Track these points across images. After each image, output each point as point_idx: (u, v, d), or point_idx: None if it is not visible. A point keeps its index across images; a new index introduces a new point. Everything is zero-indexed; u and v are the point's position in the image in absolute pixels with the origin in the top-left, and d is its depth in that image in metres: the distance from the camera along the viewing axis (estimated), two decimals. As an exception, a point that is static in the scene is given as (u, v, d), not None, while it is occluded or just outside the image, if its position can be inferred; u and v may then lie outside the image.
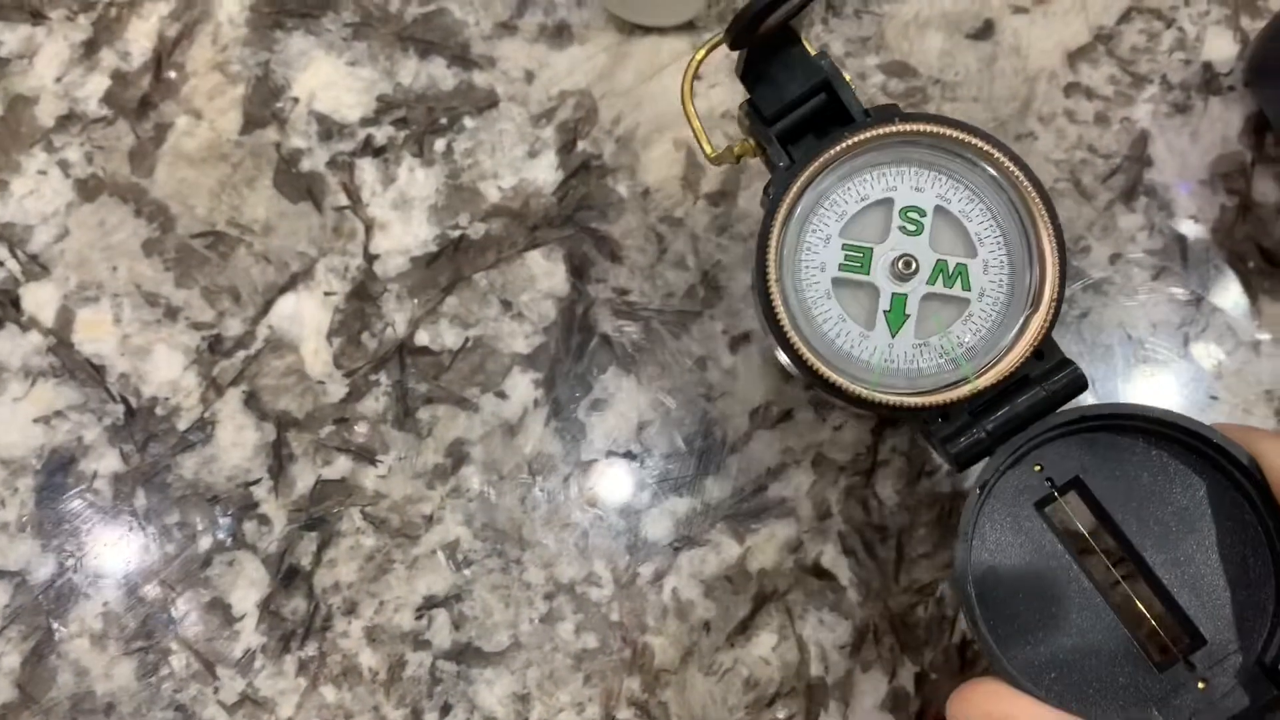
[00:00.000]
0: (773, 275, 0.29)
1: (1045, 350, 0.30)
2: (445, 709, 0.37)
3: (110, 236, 0.41)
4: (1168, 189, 0.39)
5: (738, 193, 0.40)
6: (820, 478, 0.38)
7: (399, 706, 0.37)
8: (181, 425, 0.39)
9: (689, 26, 0.41)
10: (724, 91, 0.41)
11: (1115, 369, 0.38)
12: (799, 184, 0.30)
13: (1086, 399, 0.35)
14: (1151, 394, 0.38)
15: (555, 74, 0.41)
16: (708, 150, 0.33)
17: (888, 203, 0.30)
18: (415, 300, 0.40)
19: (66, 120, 0.42)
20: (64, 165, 0.41)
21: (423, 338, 0.39)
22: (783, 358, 0.31)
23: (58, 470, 0.39)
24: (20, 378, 0.40)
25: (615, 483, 0.38)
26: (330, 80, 0.42)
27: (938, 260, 0.30)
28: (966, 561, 0.29)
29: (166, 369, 0.40)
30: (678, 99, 0.41)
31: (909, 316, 0.30)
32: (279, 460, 0.39)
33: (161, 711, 0.37)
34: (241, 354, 0.40)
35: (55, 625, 0.38)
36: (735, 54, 0.31)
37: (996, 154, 0.29)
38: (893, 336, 0.30)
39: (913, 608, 0.37)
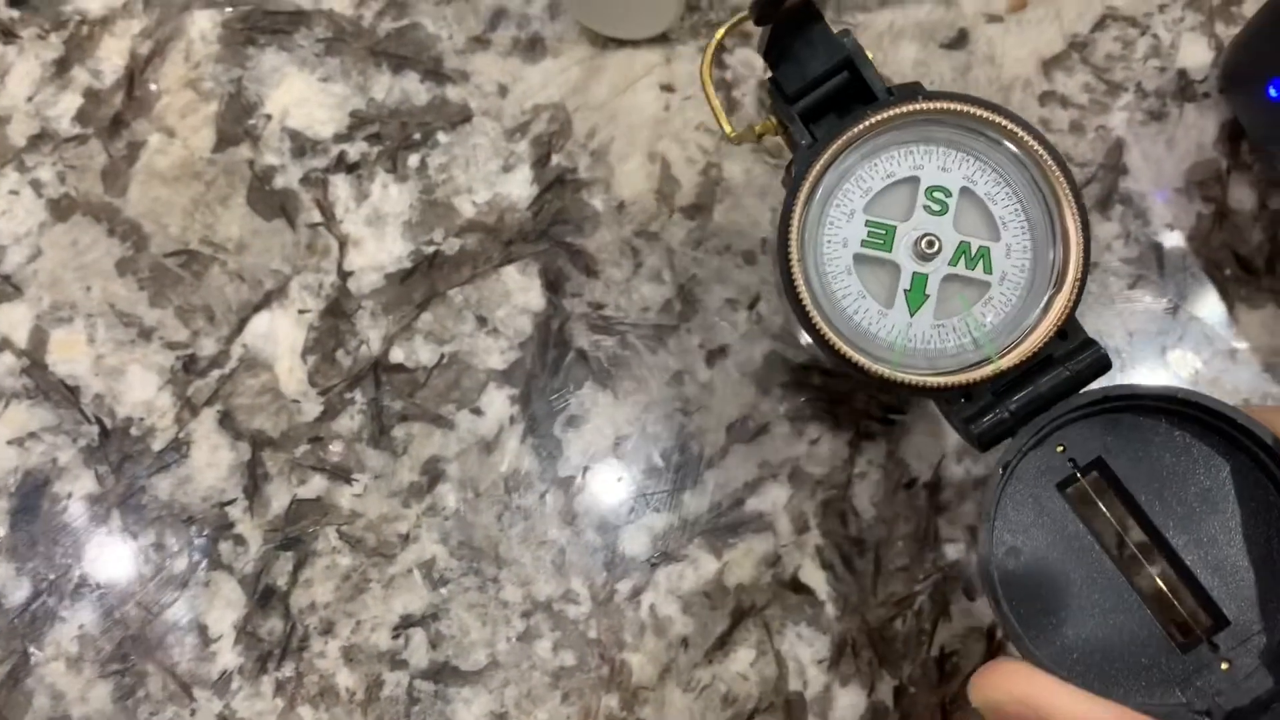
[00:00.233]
0: (795, 254, 0.29)
1: (1069, 330, 0.29)
2: (423, 728, 0.37)
3: (83, 256, 0.41)
4: (1144, 197, 0.39)
5: (713, 206, 0.40)
6: (797, 491, 0.38)
7: (377, 726, 0.37)
8: (156, 446, 0.39)
9: (662, 39, 0.41)
10: (698, 104, 0.41)
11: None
12: (822, 162, 0.29)
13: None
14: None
15: (529, 88, 0.41)
16: (728, 130, 0.33)
17: (913, 181, 0.30)
18: (390, 317, 0.39)
19: (38, 139, 0.41)
20: (36, 185, 0.41)
21: (397, 355, 0.39)
22: (805, 339, 0.31)
23: (32, 493, 0.39)
24: (-7, 400, 0.39)
25: (592, 499, 0.38)
26: (303, 96, 0.42)
27: (961, 242, 0.30)
28: (989, 543, 0.28)
29: (141, 389, 0.40)
30: (652, 111, 0.41)
31: (929, 297, 0.30)
32: (254, 480, 0.39)
33: (138, 734, 0.37)
34: (216, 373, 0.39)
35: (31, 649, 0.38)
36: (704, 67, 0.31)
37: (1020, 132, 0.29)
38: (911, 316, 0.30)
39: (891, 621, 0.37)
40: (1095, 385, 0.29)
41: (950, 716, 0.36)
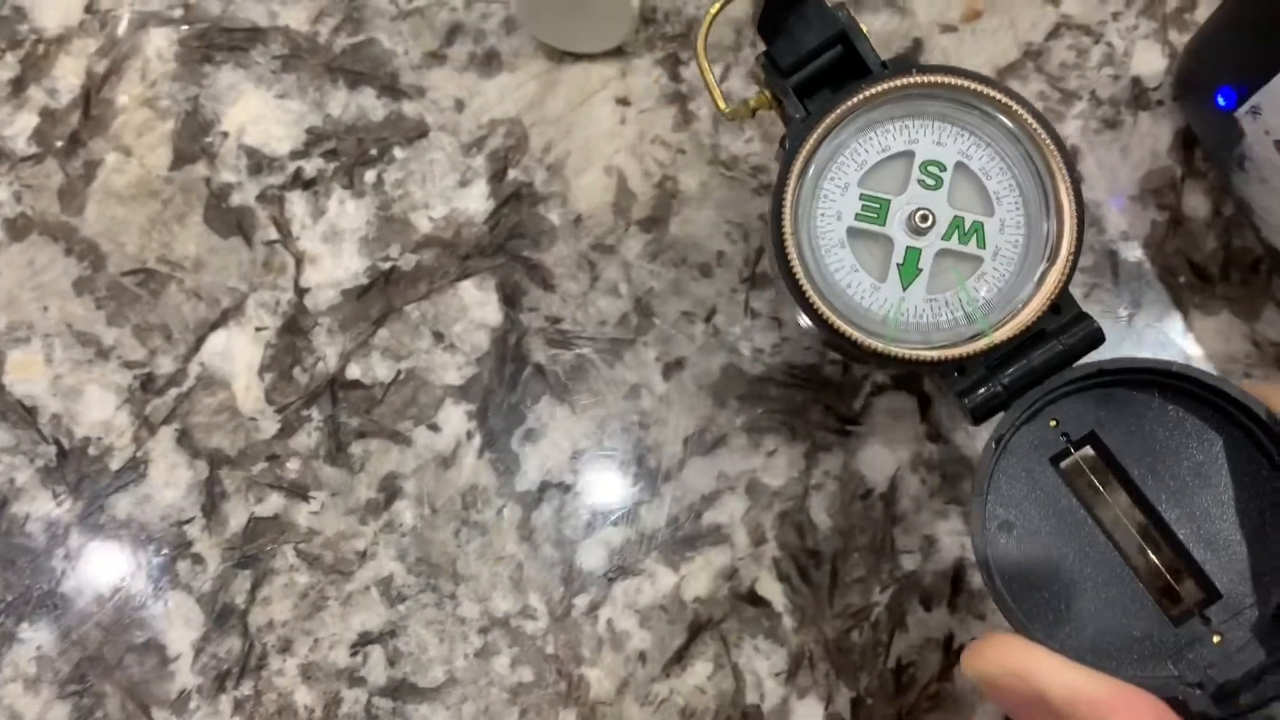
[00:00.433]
0: (788, 227, 0.29)
1: (1062, 304, 0.30)
2: (382, 746, 0.37)
3: (40, 276, 0.41)
4: (1098, 205, 0.39)
5: (669, 219, 0.40)
6: (754, 504, 0.38)
7: (335, 744, 0.37)
8: (114, 465, 0.39)
9: (618, 52, 0.41)
10: (654, 117, 0.41)
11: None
12: (816, 135, 0.30)
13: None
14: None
15: (485, 102, 0.41)
16: (722, 106, 0.33)
17: (908, 156, 0.30)
18: (346, 334, 0.39)
19: (-6, 159, 0.41)
20: (-8, 205, 0.41)
21: (354, 371, 0.39)
22: (803, 320, 0.31)
23: (-11, 514, 0.39)
24: (-50, 421, 0.39)
25: (549, 514, 0.38)
26: (259, 113, 0.42)
27: (955, 216, 0.30)
28: (982, 517, 0.28)
29: (99, 409, 0.39)
30: (608, 125, 0.41)
31: (922, 271, 0.30)
32: (212, 499, 0.39)
33: (96, 755, 0.37)
34: (173, 392, 0.39)
35: (-12, 670, 0.38)
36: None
37: (1014, 106, 0.29)
38: (904, 290, 0.30)
39: (848, 632, 0.37)
40: (1088, 359, 0.29)
41: (908, 728, 0.36)
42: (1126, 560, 0.29)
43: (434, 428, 0.39)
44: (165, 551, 0.38)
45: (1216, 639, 0.28)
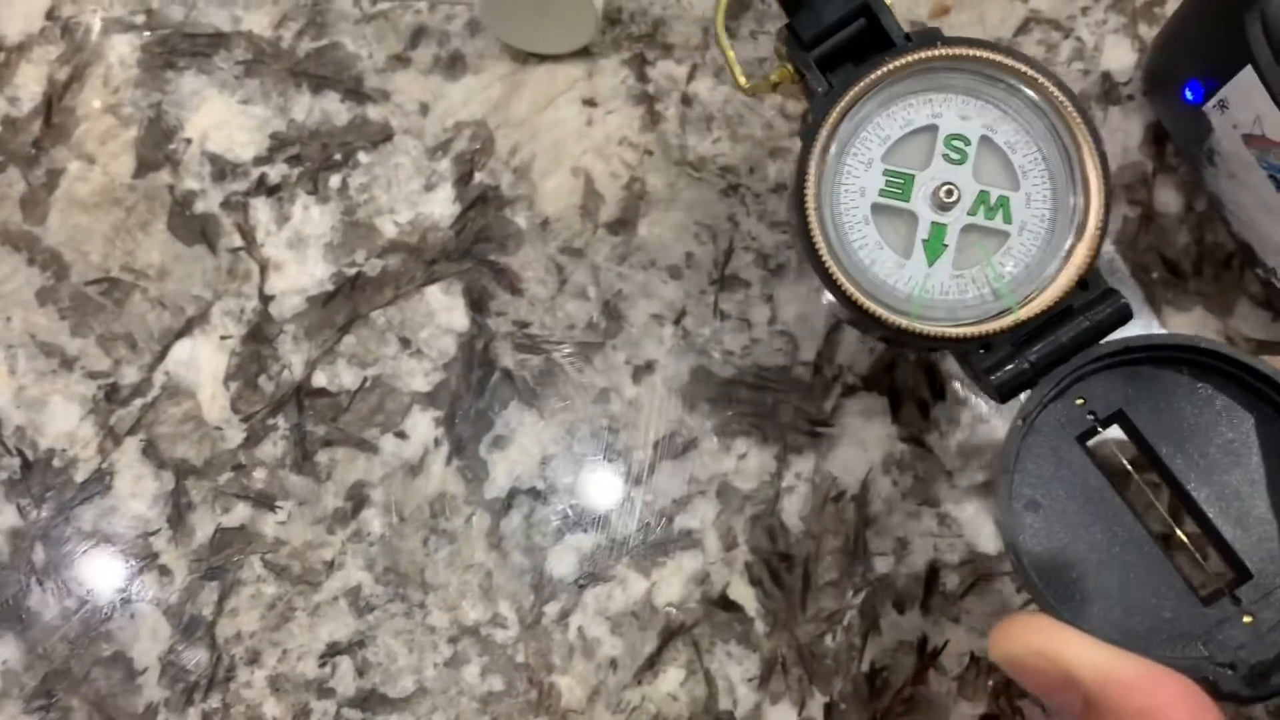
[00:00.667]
0: (811, 203, 0.29)
1: (1089, 280, 0.29)
2: (351, 757, 0.36)
3: (2, 286, 0.40)
4: (1070, 201, 0.39)
5: (637, 220, 0.40)
6: (725, 507, 0.37)
7: (304, 757, 0.36)
8: (79, 477, 0.39)
9: (583, 53, 0.41)
10: (621, 118, 0.40)
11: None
12: (839, 108, 0.29)
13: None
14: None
15: (450, 105, 0.41)
16: (741, 81, 0.33)
17: (932, 130, 0.30)
18: (312, 341, 0.39)
19: (-45, 169, 0.41)
20: (-47, 216, 0.41)
21: (320, 379, 0.39)
22: (826, 297, 0.30)
23: (-48, 528, 0.38)
24: (-88, 435, 0.39)
25: (519, 520, 0.37)
26: (223, 119, 0.41)
27: (980, 191, 0.30)
28: (1008, 495, 0.28)
29: (63, 420, 0.39)
30: (574, 126, 0.40)
31: (947, 247, 0.30)
32: (178, 510, 0.38)
33: (63, 771, 0.37)
34: (139, 402, 0.39)
35: (-47, 687, 0.37)
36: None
37: (1041, 78, 0.29)
38: (929, 266, 0.30)
39: (820, 637, 0.36)
40: (1115, 336, 0.29)
41: (882, 732, 0.36)
42: (1155, 540, 0.28)
43: (401, 435, 0.38)
44: (132, 563, 0.38)
45: (1247, 619, 0.27)
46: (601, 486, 0.38)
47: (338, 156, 0.41)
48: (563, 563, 0.37)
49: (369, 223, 0.40)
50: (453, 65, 0.41)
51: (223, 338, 0.39)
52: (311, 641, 0.37)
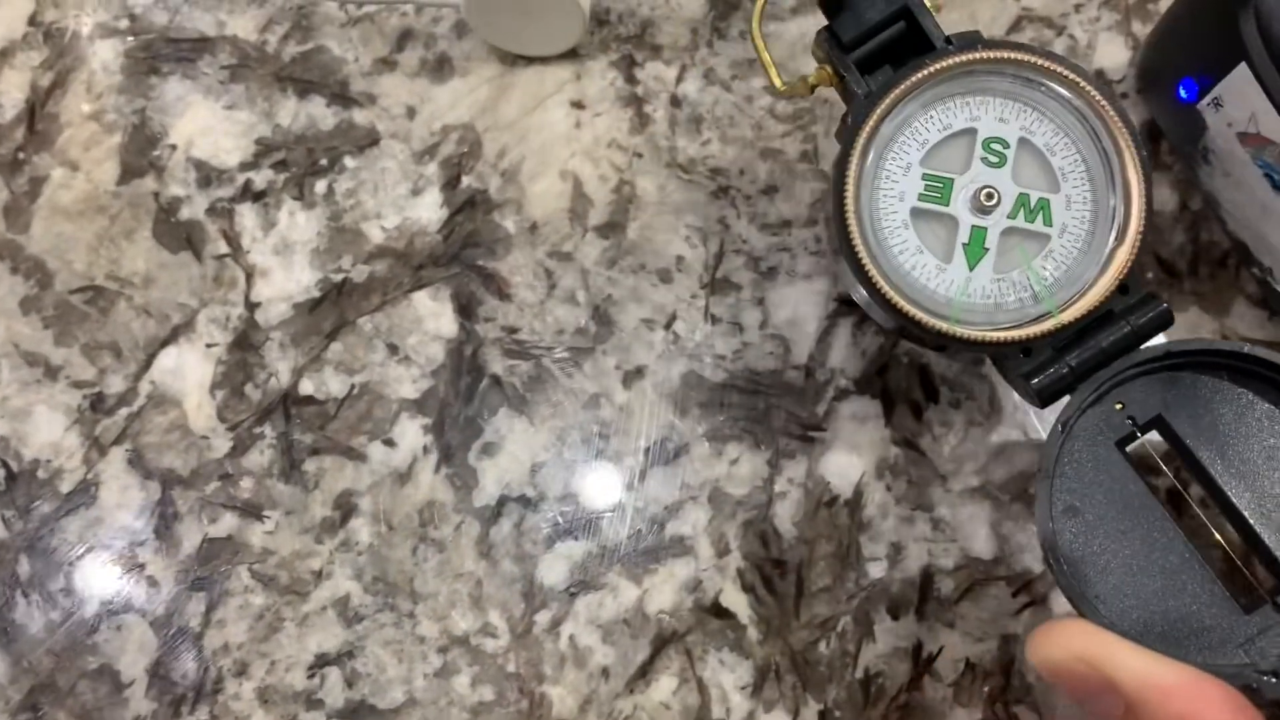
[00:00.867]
0: (850, 206, 0.29)
1: (1130, 284, 0.29)
2: (341, 769, 0.36)
3: (-14, 296, 0.40)
4: (1063, 201, 0.38)
5: (627, 224, 0.39)
6: (717, 513, 0.37)
7: (293, 769, 0.36)
8: (65, 488, 0.38)
9: (571, 55, 0.40)
10: (609, 120, 0.40)
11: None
12: (879, 111, 0.29)
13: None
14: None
15: (437, 108, 0.40)
16: (778, 83, 0.33)
17: (970, 133, 0.30)
18: (299, 348, 0.39)
19: (-62, 178, 0.41)
20: (-64, 224, 0.40)
21: (307, 386, 0.38)
22: (861, 295, 0.30)
23: (-63, 540, 0.38)
24: (-104, 446, 0.38)
25: (508, 528, 0.37)
26: (208, 125, 0.41)
27: (1020, 193, 0.30)
28: (1048, 501, 0.28)
29: (48, 430, 0.39)
30: (563, 129, 0.40)
31: (988, 250, 0.30)
32: (164, 520, 0.38)
33: (50, 785, 0.36)
34: (124, 411, 0.39)
35: (-62, 701, 0.37)
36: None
37: (1082, 82, 0.29)
38: (970, 270, 0.30)
39: (814, 644, 0.36)
40: (1155, 341, 0.29)
41: (877, 739, 0.35)
42: (1195, 546, 0.28)
43: (389, 443, 0.38)
44: (118, 575, 0.37)
45: None
46: (592, 493, 0.37)
47: (324, 161, 0.40)
48: (553, 571, 0.37)
49: (355, 228, 0.40)
50: (439, 68, 0.41)
51: (208, 346, 0.39)
52: (300, 652, 0.37)
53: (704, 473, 0.37)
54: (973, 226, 0.30)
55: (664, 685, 0.36)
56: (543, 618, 0.36)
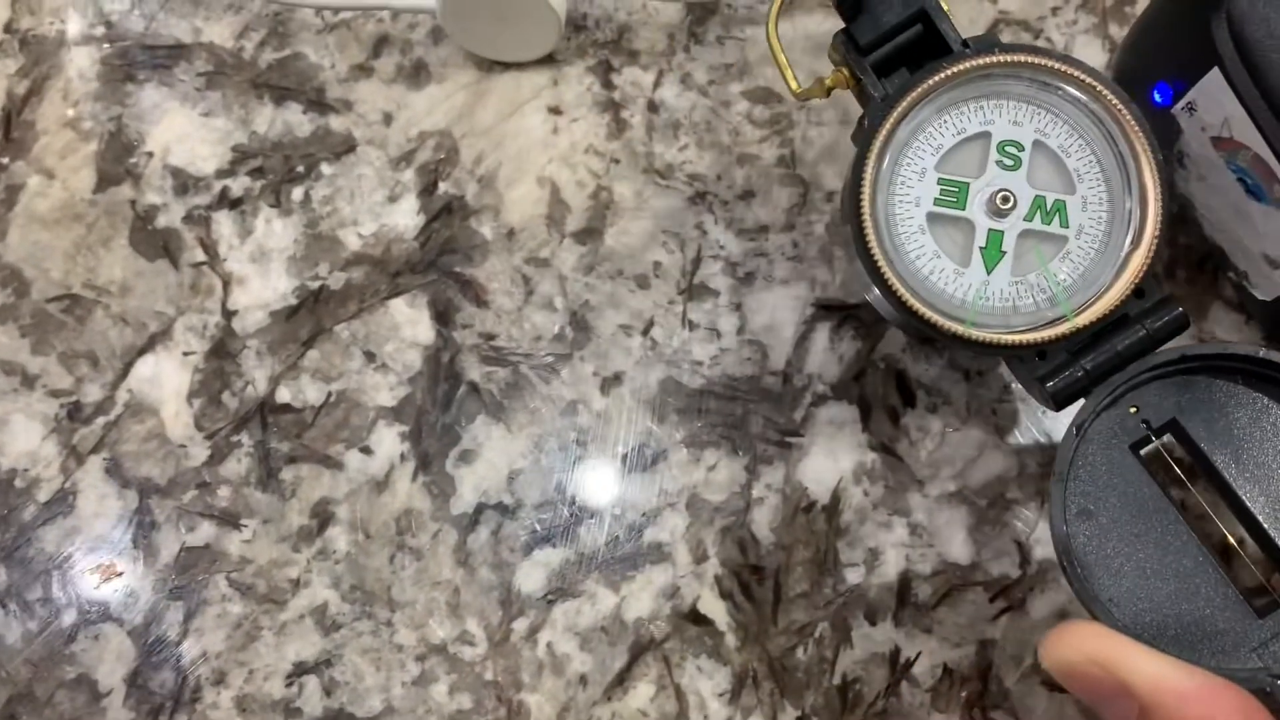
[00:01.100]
0: (867, 210, 0.29)
1: (1146, 288, 0.29)
2: (319, 778, 0.36)
3: (-38, 305, 0.40)
4: (1041, 205, 0.38)
5: (604, 230, 0.39)
6: (695, 519, 0.37)
7: (272, 778, 0.36)
8: (42, 497, 0.38)
9: (548, 60, 0.40)
10: (586, 126, 0.40)
11: (1016, 394, 0.37)
12: (896, 115, 0.29)
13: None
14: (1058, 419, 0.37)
15: (414, 115, 0.40)
16: (793, 86, 0.33)
17: (985, 136, 0.30)
18: (276, 356, 0.39)
19: (-87, 186, 0.40)
20: (-88, 233, 0.40)
21: (284, 394, 0.38)
22: (876, 295, 0.30)
23: (-87, 551, 0.38)
24: (-128, 457, 0.38)
25: (486, 536, 0.37)
26: (184, 132, 0.41)
27: (1036, 196, 0.30)
28: (1062, 504, 0.28)
29: (25, 439, 0.39)
30: (540, 135, 0.40)
31: (1005, 253, 0.30)
32: (142, 529, 0.38)
33: (28, 796, 0.36)
34: (101, 420, 0.39)
35: (-85, 712, 0.37)
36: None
37: (1099, 86, 0.29)
38: (988, 274, 0.30)
39: (792, 650, 0.36)
40: (1170, 345, 0.29)
41: (855, 745, 0.35)
42: (1209, 550, 0.28)
43: (366, 451, 0.38)
44: (96, 584, 0.37)
45: None
46: (569, 500, 0.37)
47: (300, 168, 0.40)
48: (531, 578, 0.37)
49: (332, 235, 0.39)
50: (416, 74, 0.41)
51: (185, 354, 0.39)
52: (278, 661, 0.37)
53: (682, 479, 0.37)
54: (989, 230, 0.30)
55: (642, 692, 0.36)
56: (520, 625, 0.36)
